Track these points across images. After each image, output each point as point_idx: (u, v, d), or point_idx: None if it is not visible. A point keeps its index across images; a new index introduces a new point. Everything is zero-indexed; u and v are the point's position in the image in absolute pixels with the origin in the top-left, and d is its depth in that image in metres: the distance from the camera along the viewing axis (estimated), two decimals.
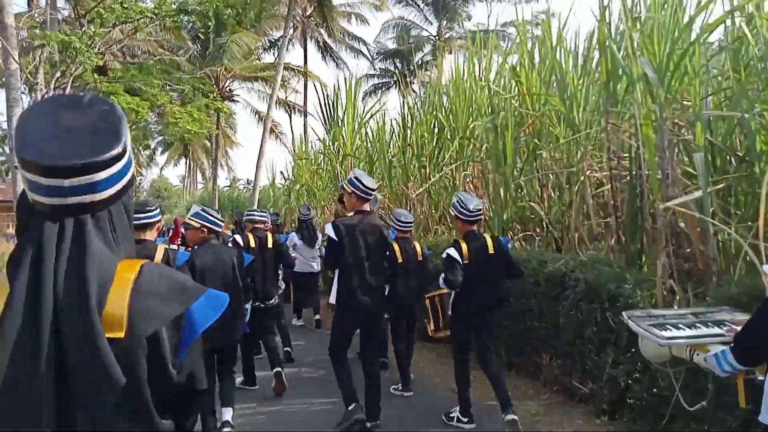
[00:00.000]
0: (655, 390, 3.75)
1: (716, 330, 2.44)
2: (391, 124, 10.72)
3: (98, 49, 13.28)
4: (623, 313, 2.86)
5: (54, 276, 0.92)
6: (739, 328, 2.23)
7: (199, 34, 25.93)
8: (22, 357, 0.88)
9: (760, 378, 2.03)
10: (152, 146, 44.45)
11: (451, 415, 4.41)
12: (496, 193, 6.99)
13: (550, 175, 6.68)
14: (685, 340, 2.39)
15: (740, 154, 4.71)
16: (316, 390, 5.37)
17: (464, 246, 4.26)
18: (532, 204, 6.44)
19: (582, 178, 5.88)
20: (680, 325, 2.51)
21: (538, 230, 6.97)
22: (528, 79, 6.82)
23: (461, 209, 4.30)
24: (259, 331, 5.32)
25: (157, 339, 0.98)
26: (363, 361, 4.36)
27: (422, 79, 31.95)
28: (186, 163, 50.52)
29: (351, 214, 4.31)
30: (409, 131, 9.92)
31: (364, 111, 11.80)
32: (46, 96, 12.52)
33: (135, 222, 2.93)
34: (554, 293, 4.73)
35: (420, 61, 34.78)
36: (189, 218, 4.16)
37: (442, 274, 4.29)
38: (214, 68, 24.83)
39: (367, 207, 4.28)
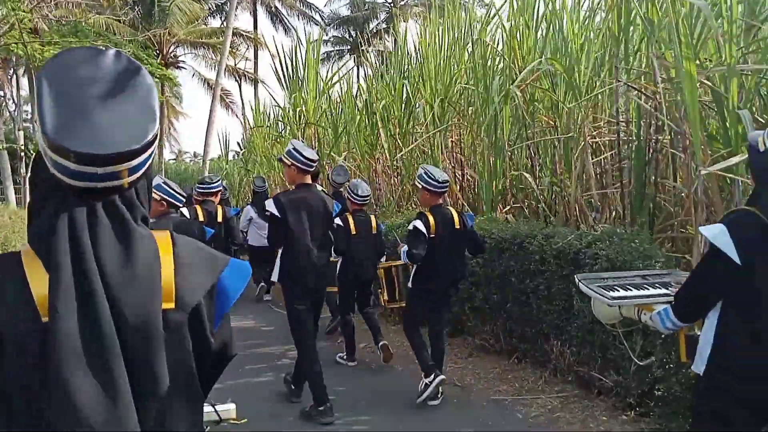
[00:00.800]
0: (684, 381, 3.30)
1: (662, 291, 2.52)
2: (357, 91, 9.94)
3: (26, 4, 11.83)
4: (575, 276, 2.90)
5: (97, 260, 0.89)
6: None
7: None
8: (86, 344, 0.85)
9: (698, 333, 2.11)
10: None
11: (421, 389, 4.16)
12: (484, 162, 6.40)
13: (542, 142, 6.17)
14: (632, 300, 2.48)
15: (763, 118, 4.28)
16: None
17: (431, 218, 4.12)
18: (525, 174, 5.89)
19: (582, 144, 5.36)
20: (628, 287, 2.61)
21: (525, 202, 6.47)
22: (516, 36, 6.22)
23: (430, 180, 4.16)
24: None
25: (199, 309, 0.99)
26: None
27: (377, 48, 31.17)
28: None
29: (293, 187, 4.11)
30: (373, 98, 9.19)
31: (326, 76, 10.97)
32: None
33: None
34: (565, 272, 4.21)
35: (375, 28, 33.86)
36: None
37: (405, 247, 4.17)
38: (157, 31, 23.12)
39: (309, 179, 4.10)
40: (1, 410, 0.88)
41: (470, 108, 7.65)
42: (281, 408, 4.24)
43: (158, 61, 22.28)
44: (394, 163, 8.71)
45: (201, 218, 5.29)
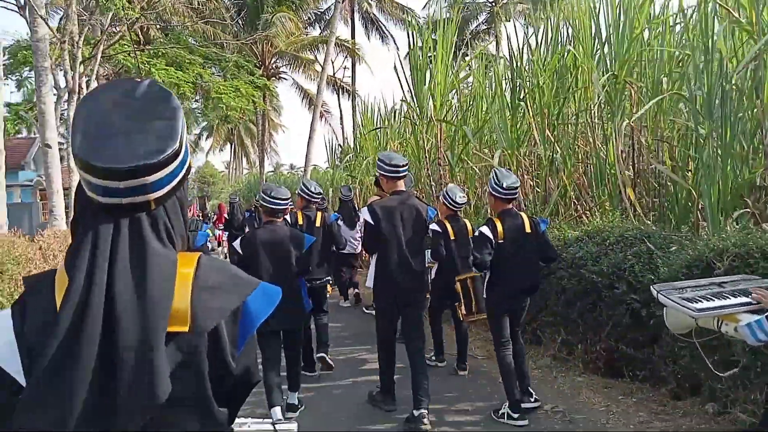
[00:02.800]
0: None
1: (744, 299, 2.45)
2: (495, 78, 8.35)
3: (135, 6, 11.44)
4: (651, 287, 2.83)
5: (111, 278, 0.92)
6: (759, 295, 2.36)
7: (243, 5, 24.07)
8: (69, 356, 0.88)
9: None
10: (197, 131, 43.36)
11: (500, 411, 4.08)
12: (707, 152, 4.66)
13: None
14: (717, 311, 2.43)
15: None
16: (359, 370, 5.46)
17: (499, 225, 4.06)
18: None
19: None
20: (709, 297, 2.56)
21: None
22: None
23: (495, 186, 4.10)
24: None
25: (218, 333, 0.99)
26: (407, 346, 4.20)
27: (476, 50, 29.49)
28: (231, 149, 49.37)
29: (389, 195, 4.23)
30: (520, 81, 7.58)
31: (457, 68, 9.45)
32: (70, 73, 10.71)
33: None
34: None
35: (475, 30, 32.26)
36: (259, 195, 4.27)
37: (471, 254, 4.12)
38: (258, 37, 22.84)
39: (402, 186, 4.17)
40: None
41: (653, 83, 5.89)
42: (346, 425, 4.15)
43: (260, 72, 22.06)
44: (549, 157, 7.07)
45: (300, 223, 5.36)
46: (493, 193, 4.14)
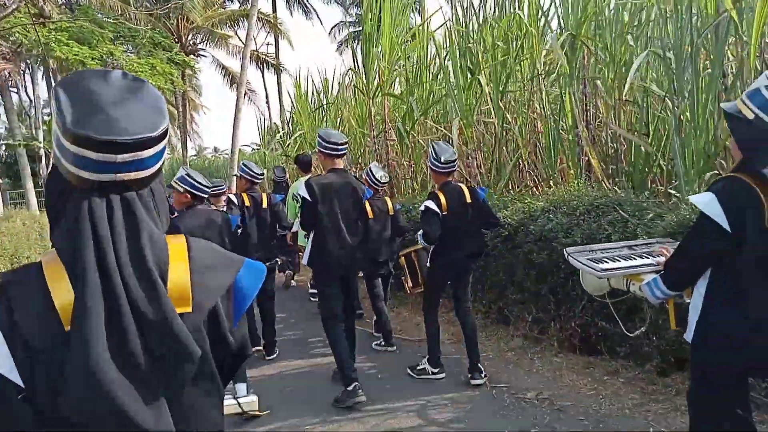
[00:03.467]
0: None
1: (649, 260, 2.55)
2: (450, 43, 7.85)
3: None
4: (564, 249, 2.93)
5: (115, 255, 0.90)
6: (661, 252, 2.49)
7: None
8: (110, 339, 0.86)
9: (687, 301, 2.14)
10: None
11: (419, 368, 4.45)
12: (681, 116, 4.42)
13: None
14: (621, 271, 2.54)
15: None
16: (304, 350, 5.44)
17: (442, 197, 4.18)
18: None
19: None
20: (616, 258, 2.67)
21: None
22: None
23: (434, 160, 4.26)
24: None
25: (216, 310, 1.01)
26: (346, 321, 4.31)
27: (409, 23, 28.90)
28: None
29: (325, 172, 4.26)
30: (470, 46, 7.16)
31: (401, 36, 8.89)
32: None
33: None
34: None
35: None
36: (174, 181, 4.07)
37: (421, 230, 4.21)
38: (174, 12, 21.27)
39: (340, 164, 4.21)
40: (27, 413, 0.89)
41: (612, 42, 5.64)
42: (305, 397, 4.20)
43: (176, 50, 20.57)
44: (501, 125, 6.75)
45: (247, 204, 5.32)
46: (432, 167, 4.29)
